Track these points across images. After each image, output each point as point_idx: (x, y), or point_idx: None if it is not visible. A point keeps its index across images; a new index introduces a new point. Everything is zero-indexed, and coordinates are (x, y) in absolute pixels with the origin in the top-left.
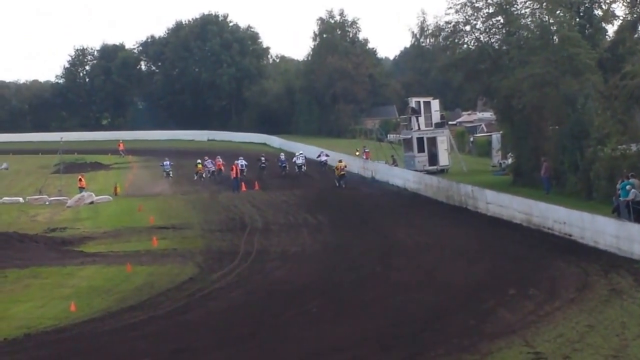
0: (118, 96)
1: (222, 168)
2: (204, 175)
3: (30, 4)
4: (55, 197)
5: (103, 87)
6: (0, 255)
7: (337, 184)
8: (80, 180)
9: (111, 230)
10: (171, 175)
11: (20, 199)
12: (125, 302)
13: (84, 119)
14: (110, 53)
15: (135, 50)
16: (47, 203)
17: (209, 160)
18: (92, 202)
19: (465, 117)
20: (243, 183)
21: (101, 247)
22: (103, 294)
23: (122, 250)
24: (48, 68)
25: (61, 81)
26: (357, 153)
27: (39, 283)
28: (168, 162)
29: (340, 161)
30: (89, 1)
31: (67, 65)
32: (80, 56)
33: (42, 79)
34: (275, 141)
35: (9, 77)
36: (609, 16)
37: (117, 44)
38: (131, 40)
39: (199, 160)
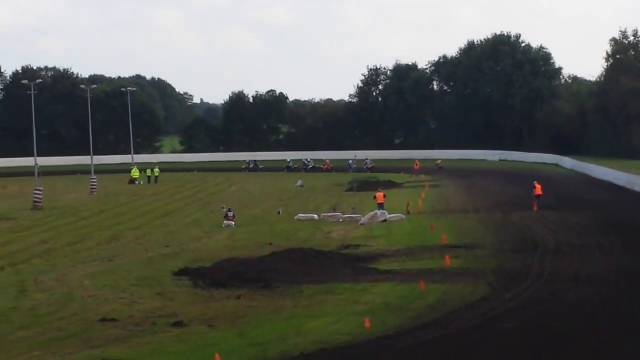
0: (410, 115)
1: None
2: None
3: (334, 28)
4: (348, 214)
5: (395, 106)
6: (296, 271)
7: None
8: (380, 196)
9: (404, 248)
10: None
11: (315, 216)
12: (419, 319)
13: (377, 137)
14: (403, 73)
15: (428, 70)
16: (340, 220)
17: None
18: (384, 220)
19: None
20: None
21: (394, 264)
22: (396, 311)
23: (414, 268)
24: (341, 87)
25: (354, 100)
26: None
27: (333, 299)
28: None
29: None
30: (384, 22)
31: (360, 84)
32: (373, 76)
33: (335, 98)
34: (566, 162)
35: (304, 95)
36: None
37: (410, 63)
38: (423, 60)
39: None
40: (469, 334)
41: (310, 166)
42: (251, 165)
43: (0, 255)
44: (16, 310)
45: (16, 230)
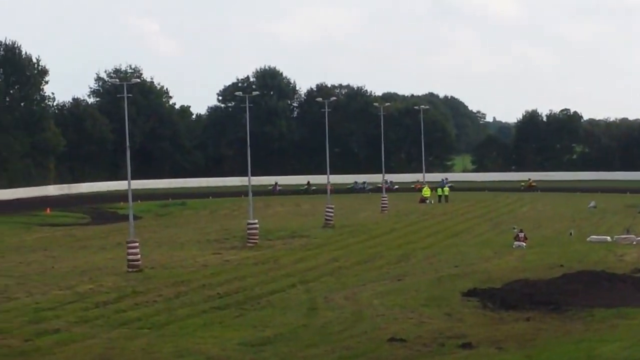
0: None
1: None
2: None
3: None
4: None
5: None
6: (588, 294)
7: None
8: None
9: None
10: None
11: (608, 238)
12: None
13: None
14: None
15: None
16: (634, 243)
17: None
18: None
19: None
20: None
21: None
22: None
23: None
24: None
25: None
26: None
27: (626, 324)
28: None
29: None
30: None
31: None
32: None
33: (631, 117)
34: None
35: (599, 114)
36: None
37: None
38: None
39: None
40: None
41: (368, 187)
42: (269, 187)
43: (292, 272)
44: (306, 328)
45: (308, 248)
